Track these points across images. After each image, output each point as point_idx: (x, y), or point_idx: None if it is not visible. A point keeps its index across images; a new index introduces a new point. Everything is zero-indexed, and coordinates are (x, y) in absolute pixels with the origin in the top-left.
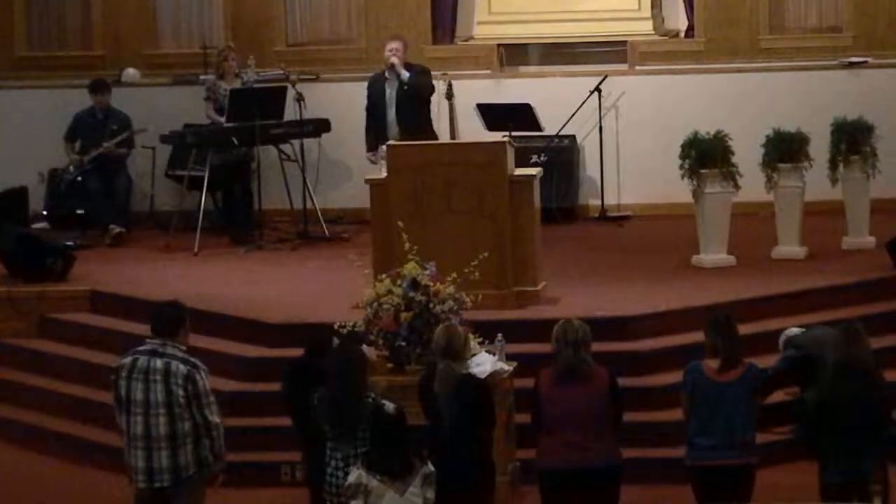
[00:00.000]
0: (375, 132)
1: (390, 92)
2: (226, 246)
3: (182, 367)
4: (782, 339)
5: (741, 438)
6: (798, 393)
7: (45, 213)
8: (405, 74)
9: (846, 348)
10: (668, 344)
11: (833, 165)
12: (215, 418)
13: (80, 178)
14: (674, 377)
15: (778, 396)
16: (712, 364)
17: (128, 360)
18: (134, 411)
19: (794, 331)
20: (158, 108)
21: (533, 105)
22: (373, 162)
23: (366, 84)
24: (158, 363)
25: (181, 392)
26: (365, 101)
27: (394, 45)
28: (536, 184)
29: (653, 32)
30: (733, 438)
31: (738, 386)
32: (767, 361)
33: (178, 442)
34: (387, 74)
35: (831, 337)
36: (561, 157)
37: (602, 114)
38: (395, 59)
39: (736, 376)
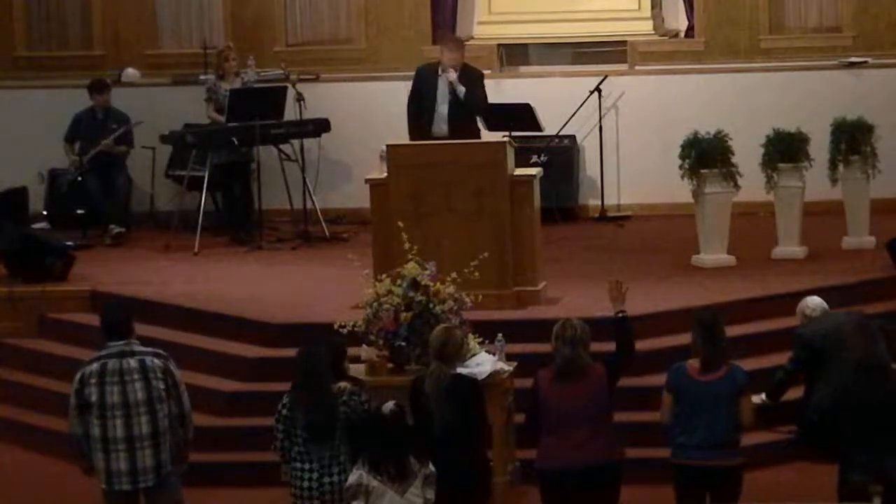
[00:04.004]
0: (419, 124)
1: (443, 88)
2: (226, 246)
3: (157, 361)
4: (800, 307)
5: (724, 439)
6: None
7: (45, 213)
8: (461, 90)
9: (865, 347)
10: (668, 344)
11: (833, 165)
12: (188, 405)
13: (80, 178)
14: None
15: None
16: (696, 364)
17: (94, 366)
18: (110, 415)
19: (815, 301)
20: (158, 108)
21: (533, 105)
22: None
23: (365, 84)
24: (132, 362)
25: (161, 385)
26: (407, 92)
27: (455, 55)
28: (536, 184)
29: (653, 32)
30: (716, 439)
31: (720, 386)
32: (767, 361)
33: (159, 440)
34: (440, 71)
35: (840, 330)
36: (561, 157)
37: (602, 114)
38: (453, 76)
39: (719, 376)
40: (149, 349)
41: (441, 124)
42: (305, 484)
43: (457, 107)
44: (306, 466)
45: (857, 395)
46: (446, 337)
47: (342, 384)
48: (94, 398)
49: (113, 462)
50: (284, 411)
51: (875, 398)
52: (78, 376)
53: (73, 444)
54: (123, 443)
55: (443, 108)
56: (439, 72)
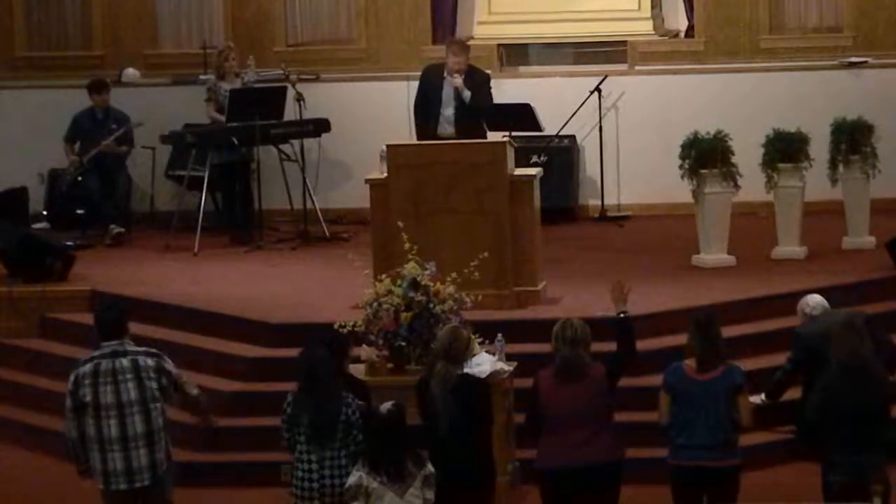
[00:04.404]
0: (426, 126)
1: (448, 91)
2: (226, 246)
3: (150, 360)
4: (800, 305)
5: (722, 438)
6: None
7: (45, 213)
8: (466, 94)
9: (850, 347)
10: (668, 344)
11: (833, 165)
12: (196, 391)
13: (80, 179)
14: None
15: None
16: (693, 364)
17: (88, 366)
18: (105, 415)
19: (815, 299)
20: (158, 108)
21: (533, 105)
22: None
23: (365, 84)
24: (125, 362)
25: (155, 385)
26: (411, 93)
27: (459, 59)
28: (536, 184)
29: (653, 32)
30: (714, 438)
31: (718, 385)
32: (767, 361)
33: (154, 438)
34: (445, 74)
35: (835, 329)
36: (561, 157)
37: (602, 114)
38: (458, 82)
39: (716, 376)
40: (141, 348)
41: (447, 126)
42: (306, 484)
43: (463, 109)
44: (307, 466)
45: (839, 396)
46: (453, 337)
47: (361, 403)
48: (88, 398)
49: (109, 462)
50: (289, 410)
51: (857, 399)
52: (72, 378)
53: (68, 446)
54: (118, 443)
55: (448, 110)
56: (444, 74)
